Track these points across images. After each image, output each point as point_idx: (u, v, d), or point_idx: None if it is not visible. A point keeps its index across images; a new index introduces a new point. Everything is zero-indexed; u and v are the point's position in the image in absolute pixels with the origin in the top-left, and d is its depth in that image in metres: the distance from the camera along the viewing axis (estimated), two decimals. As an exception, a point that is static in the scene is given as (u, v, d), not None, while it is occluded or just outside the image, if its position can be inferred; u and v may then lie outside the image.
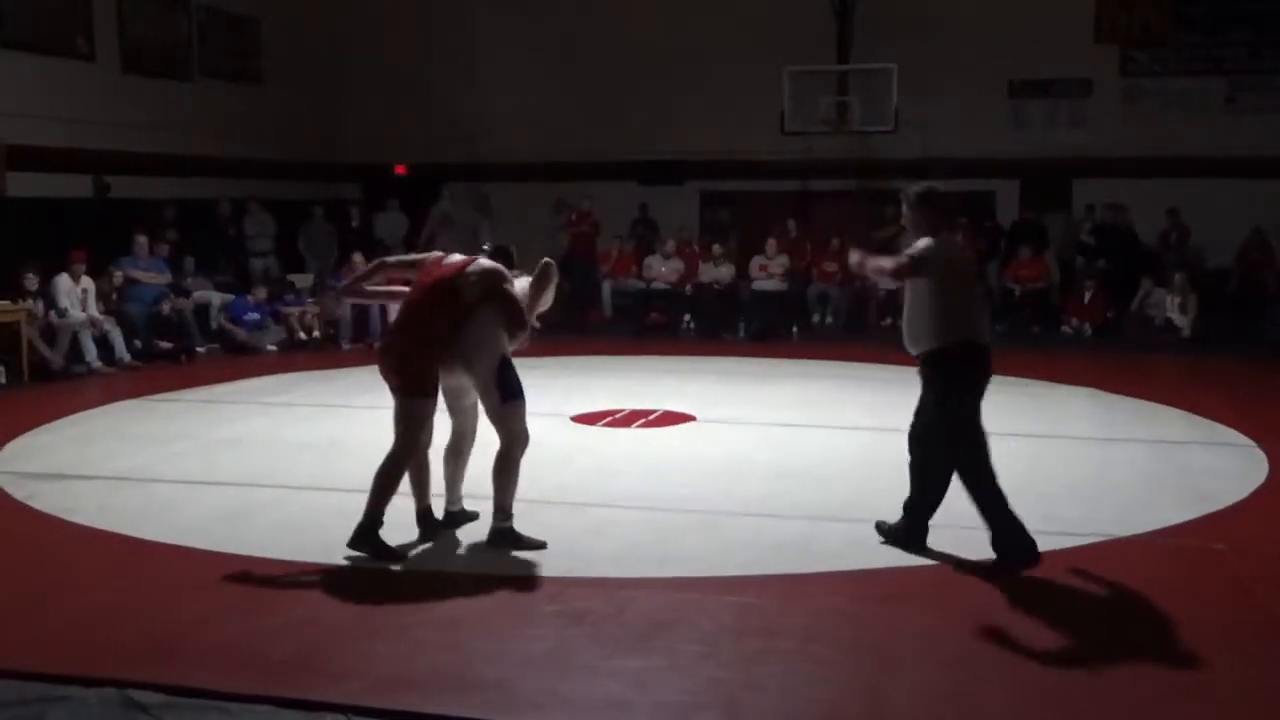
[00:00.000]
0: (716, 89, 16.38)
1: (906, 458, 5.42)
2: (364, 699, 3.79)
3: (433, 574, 5.08)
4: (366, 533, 5.25)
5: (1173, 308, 13.37)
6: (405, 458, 5.35)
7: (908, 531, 5.42)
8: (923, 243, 5.19)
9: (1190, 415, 8.64)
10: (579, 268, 15.68)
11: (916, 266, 5.14)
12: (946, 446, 5.24)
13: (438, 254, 5.59)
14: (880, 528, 5.53)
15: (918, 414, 5.35)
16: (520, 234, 17.15)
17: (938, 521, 5.79)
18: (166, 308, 12.03)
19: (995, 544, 5.20)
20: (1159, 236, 14.92)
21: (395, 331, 5.41)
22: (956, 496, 6.24)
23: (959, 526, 5.71)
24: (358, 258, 13.87)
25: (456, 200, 16.45)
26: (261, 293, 13.05)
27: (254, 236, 15.00)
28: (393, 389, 5.35)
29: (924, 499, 5.39)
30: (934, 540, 5.49)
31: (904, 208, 5.40)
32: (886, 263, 5.30)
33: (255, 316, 12.76)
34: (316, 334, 13.19)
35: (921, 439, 5.34)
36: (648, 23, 16.90)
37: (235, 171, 15.66)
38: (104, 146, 13.56)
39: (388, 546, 5.27)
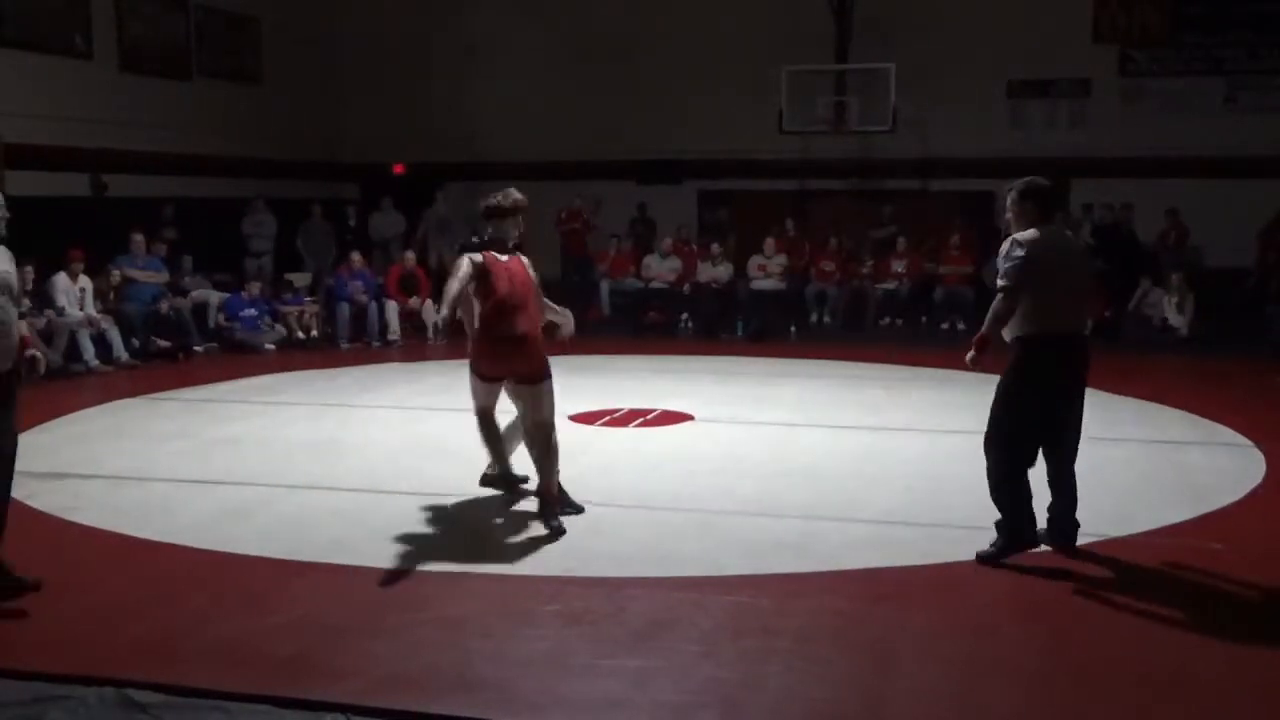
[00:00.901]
0: (715, 89, 16.38)
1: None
2: (364, 699, 3.79)
3: (433, 574, 5.07)
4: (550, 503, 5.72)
5: (1169, 308, 13.37)
6: (552, 428, 5.81)
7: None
8: (1015, 251, 5.07)
9: (1189, 415, 8.65)
10: (572, 266, 15.71)
11: (1010, 292, 5.04)
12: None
13: (483, 256, 5.76)
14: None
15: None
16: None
17: (937, 521, 5.80)
18: (165, 306, 12.03)
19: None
20: (1158, 236, 14.92)
21: (524, 328, 5.71)
22: (956, 496, 6.27)
23: (958, 526, 5.72)
24: (356, 257, 13.89)
25: (452, 203, 16.46)
26: (255, 288, 12.99)
27: (251, 235, 14.98)
28: (520, 379, 5.74)
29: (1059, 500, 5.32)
30: (932, 540, 5.50)
31: (1008, 202, 5.34)
32: (989, 327, 5.14)
33: (252, 313, 12.74)
34: (314, 333, 13.18)
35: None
36: (647, 23, 16.91)
37: (234, 171, 15.66)
38: (102, 145, 13.56)
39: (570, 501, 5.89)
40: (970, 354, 5.16)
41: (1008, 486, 5.18)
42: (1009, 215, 5.37)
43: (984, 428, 5.27)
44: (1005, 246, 5.16)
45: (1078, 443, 5.27)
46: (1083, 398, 5.24)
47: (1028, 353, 5.12)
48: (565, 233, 15.82)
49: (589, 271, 15.74)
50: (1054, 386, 5.15)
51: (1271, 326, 12.59)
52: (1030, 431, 5.17)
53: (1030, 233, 5.14)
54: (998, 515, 5.25)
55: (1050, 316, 5.10)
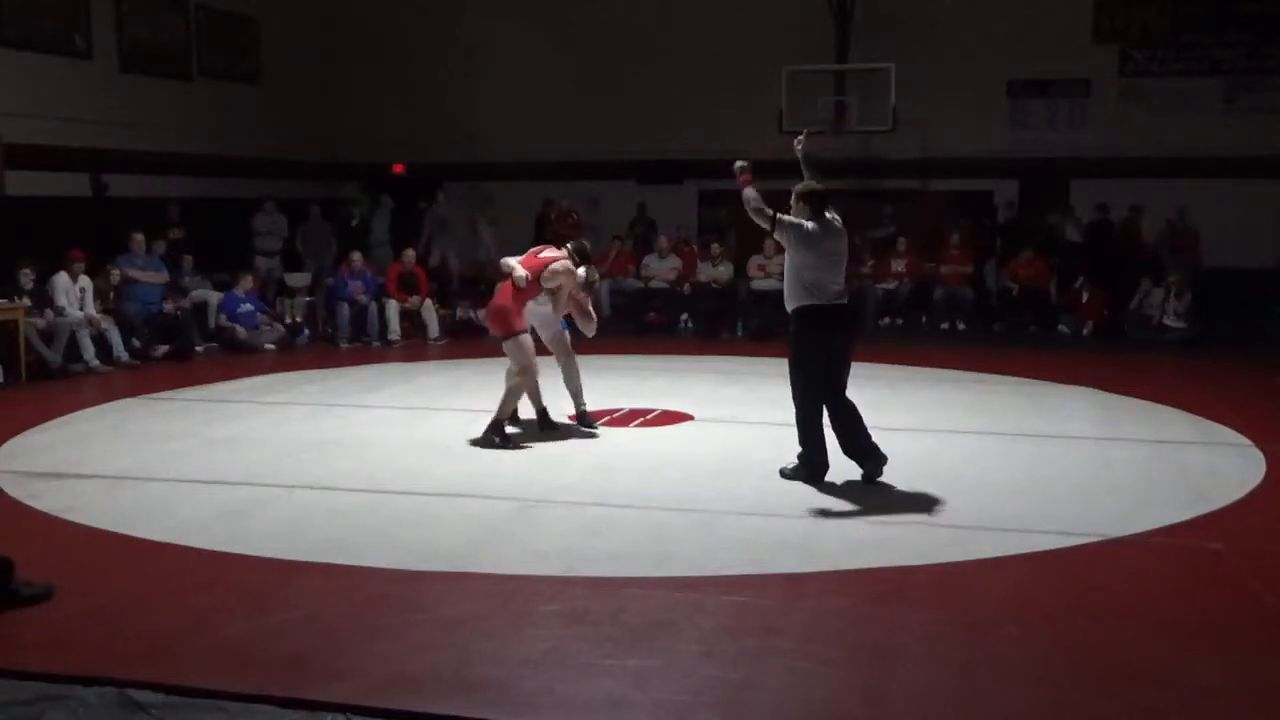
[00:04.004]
0: (715, 88, 16.40)
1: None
2: (364, 699, 3.78)
3: (432, 574, 5.07)
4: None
5: (1168, 308, 13.37)
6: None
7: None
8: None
9: (1189, 415, 8.65)
10: None
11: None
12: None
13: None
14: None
15: None
16: (519, 233, 17.27)
17: (937, 521, 5.81)
18: (170, 305, 12.03)
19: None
20: (1159, 236, 14.92)
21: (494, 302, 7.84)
22: (956, 496, 6.27)
23: (958, 526, 5.73)
24: (356, 257, 13.89)
25: (453, 202, 16.47)
26: (248, 282, 12.94)
27: (264, 234, 14.98)
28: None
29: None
30: (932, 540, 5.50)
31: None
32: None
33: (249, 309, 12.72)
34: (307, 332, 13.02)
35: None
36: (647, 22, 16.92)
37: (234, 171, 15.67)
38: (102, 145, 13.57)
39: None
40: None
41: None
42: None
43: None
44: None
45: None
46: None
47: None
48: (554, 234, 15.80)
49: None
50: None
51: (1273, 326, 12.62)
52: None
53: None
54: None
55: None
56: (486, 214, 16.50)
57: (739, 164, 6.72)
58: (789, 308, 6.56)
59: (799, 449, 6.64)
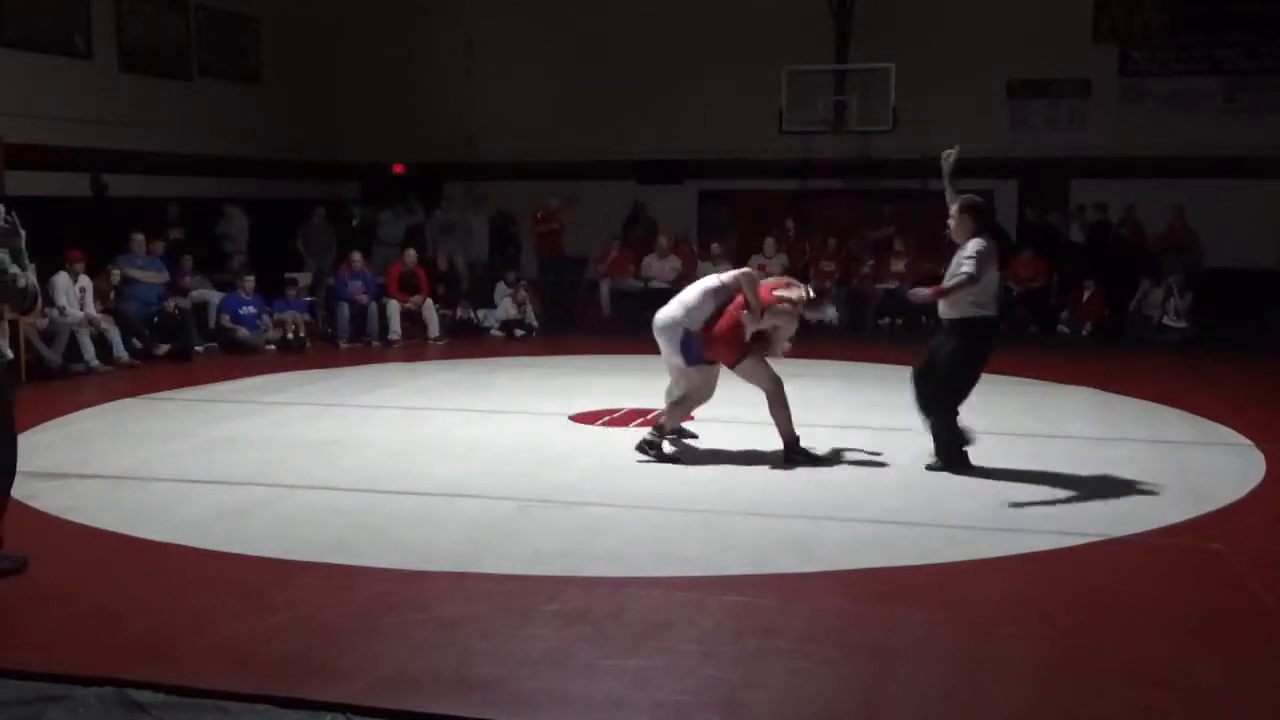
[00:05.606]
0: (715, 88, 16.40)
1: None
2: (364, 699, 3.78)
3: (432, 574, 5.07)
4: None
5: (1168, 308, 13.37)
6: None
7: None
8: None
9: (1189, 415, 8.65)
10: (550, 266, 15.73)
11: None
12: None
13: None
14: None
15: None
16: (519, 233, 17.25)
17: (937, 521, 5.81)
18: (172, 305, 12.02)
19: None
20: (1160, 236, 14.91)
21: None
22: (956, 496, 6.27)
23: (958, 526, 5.72)
24: (356, 257, 13.89)
25: (455, 205, 16.48)
26: (250, 283, 12.92)
27: (229, 237, 14.91)
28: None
29: None
30: (932, 540, 5.50)
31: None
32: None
33: (251, 310, 12.72)
34: (302, 334, 13.00)
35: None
36: (647, 22, 16.92)
37: (234, 171, 15.66)
38: (102, 145, 13.57)
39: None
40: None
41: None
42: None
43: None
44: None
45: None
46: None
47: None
48: (541, 234, 15.82)
49: (566, 271, 15.78)
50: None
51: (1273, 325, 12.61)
52: None
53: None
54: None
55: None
56: (481, 212, 16.55)
57: (918, 292, 6.79)
58: (952, 317, 6.65)
59: (934, 443, 6.89)
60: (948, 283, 6.45)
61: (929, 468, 6.85)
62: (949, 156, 6.96)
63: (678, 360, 7.21)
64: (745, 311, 7.05)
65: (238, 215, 14.97)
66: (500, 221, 16.71)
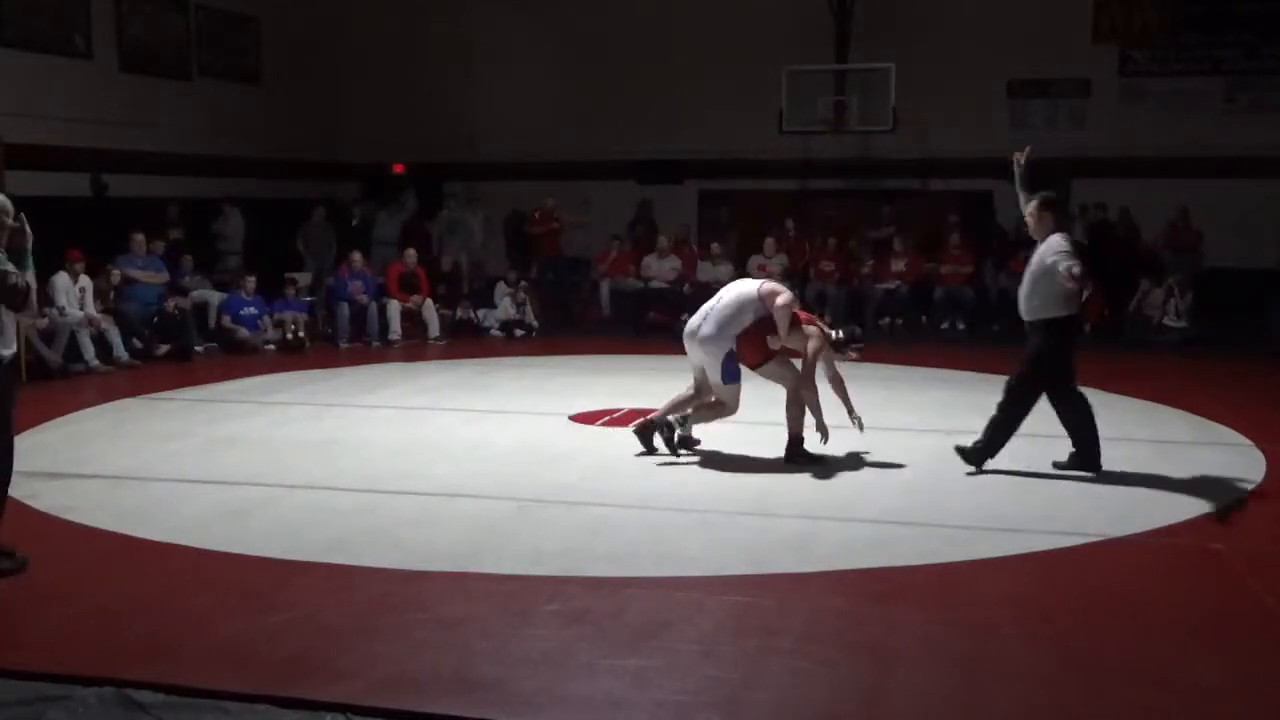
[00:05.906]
0: (715, 88, 16.40)
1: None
2: (364, 699, 3.78)
3: (432, 574, 5.07)
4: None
5: (1168, 308, 13.37)
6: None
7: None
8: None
9: (1189, 415, 8.65)
10: (548, 267, 15.73)
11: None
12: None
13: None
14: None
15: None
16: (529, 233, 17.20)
17: (937, 521, 5.81)
18: (172, 305, 12.02)
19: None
20: (1160, 236, 14.91)
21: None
22: (956, 496, 6.27)
23: (958, 526, 5.72)
24: (356, 257, 13.88)
25: (458, 205, 16.48)
26: (251, 284, 12.92)
27: (224, 237, 14.88)
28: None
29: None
30: (932, 540, 5.50)
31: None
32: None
33: (252, 311, 12.71)
34: (301, 334, 13.00)
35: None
36: (647, 22, 16.92)
37: (234, 170, 15.66)
38: (102, 145, 13.57)
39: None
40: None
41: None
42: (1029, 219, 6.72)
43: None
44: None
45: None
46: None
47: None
48: (537, 234, 15.81)
49: (565, 271, 15.78)
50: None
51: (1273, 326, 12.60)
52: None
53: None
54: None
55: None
56: (477, 211, 16.58)
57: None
58: (1042, 318, 6.65)
59: (982, 439, 6.88)
60: (1071, 281, 6.36)
61: (1056, 464, 6.91)
62: (1019, 160, 6.99)
63: (716, 379, 7.21)
64: (771, 336, 7.12)
65: (234, 215, 14.95)
66: (515, 221, 16.68)
